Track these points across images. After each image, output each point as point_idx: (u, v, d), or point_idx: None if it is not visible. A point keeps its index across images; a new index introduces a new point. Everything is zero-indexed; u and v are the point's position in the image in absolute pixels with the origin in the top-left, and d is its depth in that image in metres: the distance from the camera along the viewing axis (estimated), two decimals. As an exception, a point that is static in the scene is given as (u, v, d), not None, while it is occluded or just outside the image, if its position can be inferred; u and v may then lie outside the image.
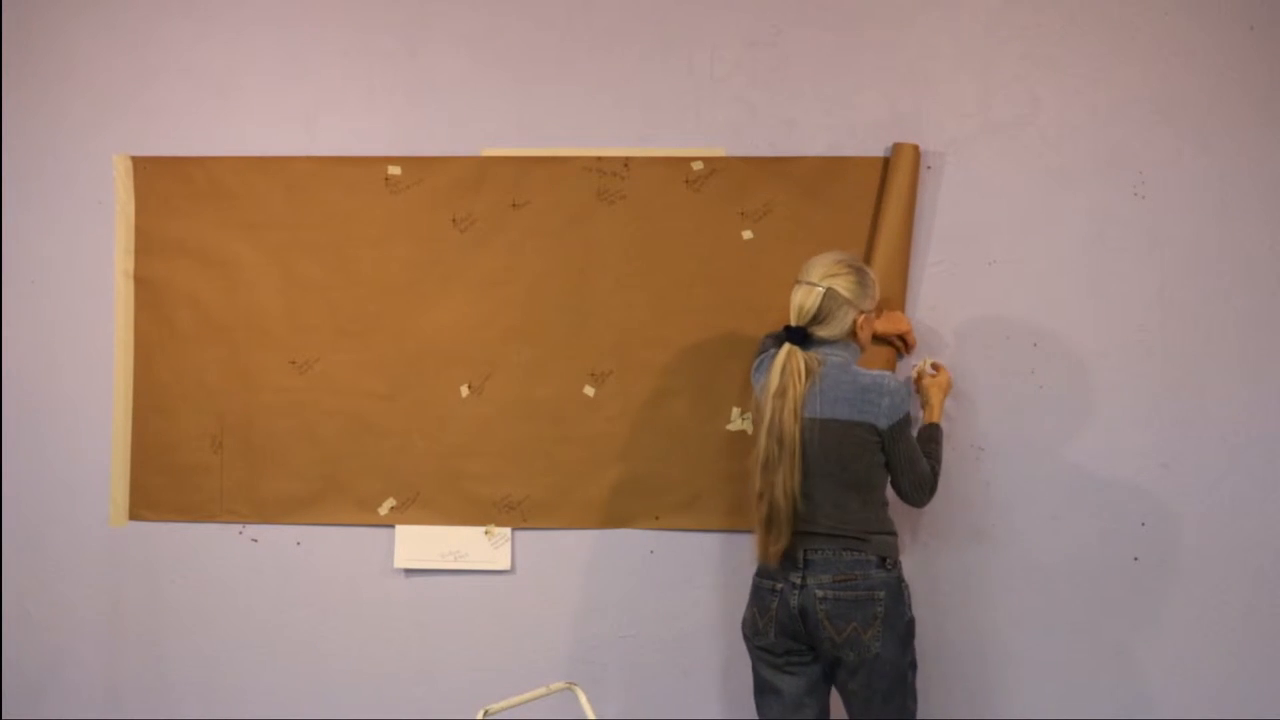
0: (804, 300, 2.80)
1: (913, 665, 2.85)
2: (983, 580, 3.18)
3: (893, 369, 3.12)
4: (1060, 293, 3.16)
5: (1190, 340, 3.14)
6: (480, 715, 2.57)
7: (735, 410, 3.22)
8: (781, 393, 2.76)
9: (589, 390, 3.26)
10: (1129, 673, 3.16)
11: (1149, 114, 3.15)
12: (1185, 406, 3.14)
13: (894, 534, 2.85)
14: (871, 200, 3.18)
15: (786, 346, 2.79)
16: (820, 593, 2.75)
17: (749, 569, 2.93)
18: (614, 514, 3.27)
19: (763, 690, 2.90)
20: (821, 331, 2.80)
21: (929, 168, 3.18)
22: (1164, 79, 3.14)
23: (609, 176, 3.25)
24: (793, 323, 2.82)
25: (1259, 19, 3.13)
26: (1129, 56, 3.15)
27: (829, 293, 2.79)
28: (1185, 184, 3.14)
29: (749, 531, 3.17)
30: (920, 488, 2.85)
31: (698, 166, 3.23)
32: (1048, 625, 3.17)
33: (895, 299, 3.13)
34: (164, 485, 3.36)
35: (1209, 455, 3.14)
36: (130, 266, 3.36)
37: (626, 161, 3.24)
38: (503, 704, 2.63)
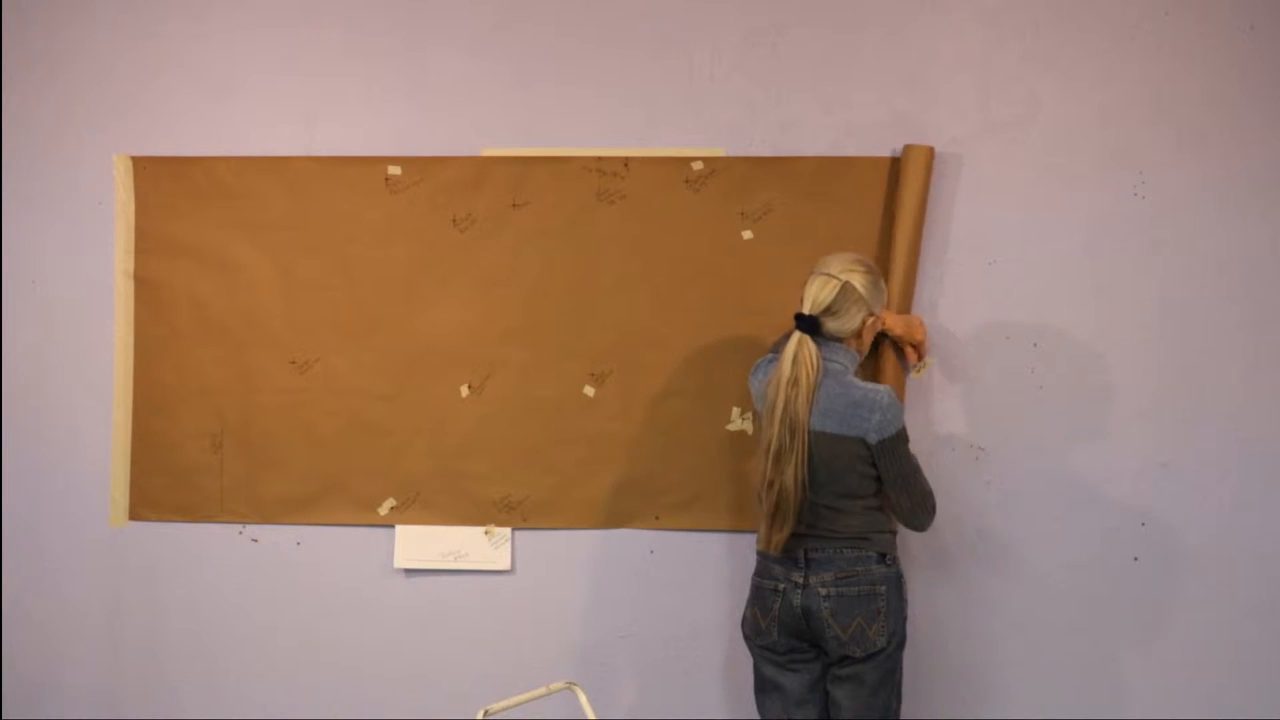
0: (820, 289, 2.77)
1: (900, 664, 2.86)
2: (982, 580, 3.18)
3: (901, 380, 3.10)
4: (1060, 293, 3.16)
5: (1190, 340, 3.14)
6: (480, 715, 2.57)
7: (735, 410, 3.22)
8: (794, 382, 2.74)
9: (589, 390, 3.26)
10: (1129, 673, 3.16)
11: (1149, 114, 3.15)
12: (1185, 406, 3.14)
13: (893, 532, 2.86)
14: (872, 200, 3.17)
15: (797, 335, 2.77)
16: (823, 590, 2.76)
17: (749, 568, 2.93)
18: (614, 514, 3.27)
19: (764, 688, 2.90)
20: (831, 324, 2.78)
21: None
22: (1164, 79, 3.14)
23: (609, 176, 3.25)
24: (806, 312, 2.78)
25: (1259, 19, 3.13)
26: (1129, 56, 3.15)
27: (846, 286, 2.77)
28: (1185, 184, 3.14)
29: (750, 531, 3.19)
30: (922, 507, 2.82)
31: (698, 166, 3.23)
32: (1048, 625, 3.17)
33: (906, 302, 3.12)
34: (164, 485, 3.36)
35: (1209, 455, 3.13)
36: (130, 266, 3.36)
37: (626, 161, 3.24)
38: (503, 704, 2.63)
